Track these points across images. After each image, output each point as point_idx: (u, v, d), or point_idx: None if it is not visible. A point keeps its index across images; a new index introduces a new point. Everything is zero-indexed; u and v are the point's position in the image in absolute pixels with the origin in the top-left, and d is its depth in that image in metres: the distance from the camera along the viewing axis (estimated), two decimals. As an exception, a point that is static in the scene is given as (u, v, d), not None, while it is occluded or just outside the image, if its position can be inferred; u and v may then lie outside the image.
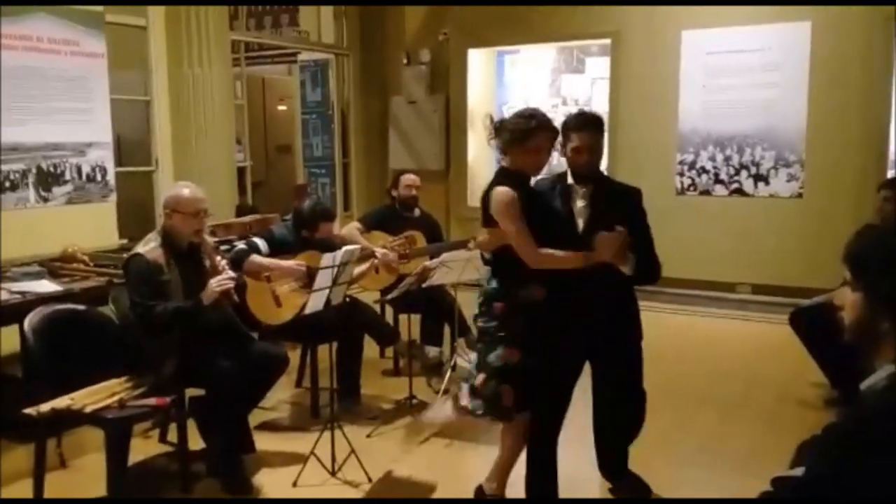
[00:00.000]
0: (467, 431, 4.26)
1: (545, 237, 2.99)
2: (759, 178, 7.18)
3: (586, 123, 3.14)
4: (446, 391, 4.81)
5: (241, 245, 4.45)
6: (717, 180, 7.34)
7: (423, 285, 4.34)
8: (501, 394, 3.05)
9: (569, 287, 3.04)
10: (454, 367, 4.99)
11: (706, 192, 7.39)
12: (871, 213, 4.69)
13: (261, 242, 4.46)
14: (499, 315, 3.07)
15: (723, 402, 4.75)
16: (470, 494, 3.52)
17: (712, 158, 7.33)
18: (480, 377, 3.10)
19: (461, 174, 8.55)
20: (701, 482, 3.66)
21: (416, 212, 5.36)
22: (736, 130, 7.19)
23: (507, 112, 8.64)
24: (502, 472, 3.30)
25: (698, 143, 7.37)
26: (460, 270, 4.43)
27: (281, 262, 4.39)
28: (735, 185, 7.27)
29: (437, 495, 3.51)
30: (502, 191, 3.01)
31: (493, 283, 3.12)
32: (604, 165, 7.92)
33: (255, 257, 4.37)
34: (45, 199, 5.62)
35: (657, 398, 4.88)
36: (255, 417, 4.07)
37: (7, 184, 5.35)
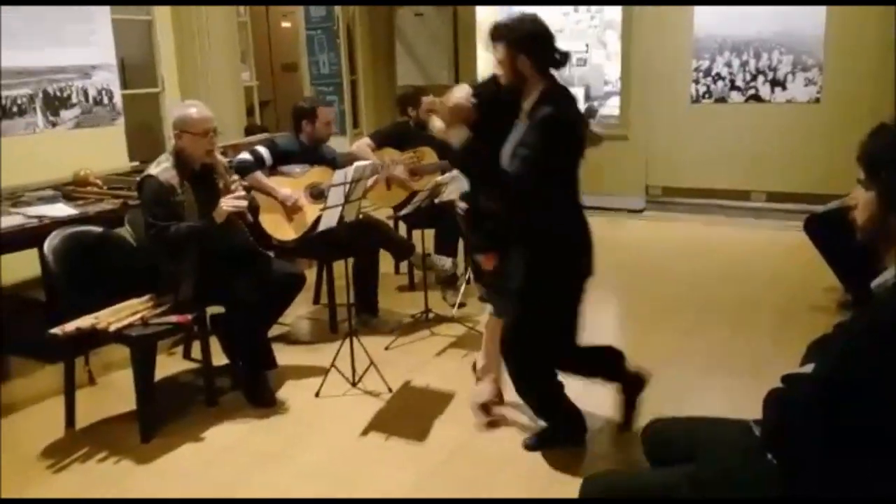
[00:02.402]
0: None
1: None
2: (775, 83, 7.03)
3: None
4: (462, 305, 4.87)
5: (244, 156, 4.44)
6: (733, 87, 7.19)
7: (436, 201, 4.33)
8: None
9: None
10: (469, 281, 5.03)
11: (721, 100, 7.26)
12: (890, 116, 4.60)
13: (265, 152, 4.44)
14: (463, 217, 3.20)
15: (735, 309, 4.79)
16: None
17: (728, 64, 7.17)
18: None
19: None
20: (715, 388, 3.73)
21: (430, 129, 5.29)
22: (753, 35, 7.01)
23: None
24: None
25: (714, 48, 7.19)
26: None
27: (277, 189, 4.38)
28: (751, 92, 7.13)
29: (454, 405, 3.59)
30: None
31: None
32: (615, 74, 7.83)
33: (257, 175, 4.37)
34: (54, 124, 5.60)
35: (671, 306, 4.93)
36: (274, 333, 4.16)
37: (14, 108, 5.32)
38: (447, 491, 2.90)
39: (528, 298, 2.93)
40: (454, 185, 4.31)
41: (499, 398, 3.51)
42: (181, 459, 3.19)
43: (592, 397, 3.31)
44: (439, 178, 4.38)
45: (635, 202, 7.63)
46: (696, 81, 7.31)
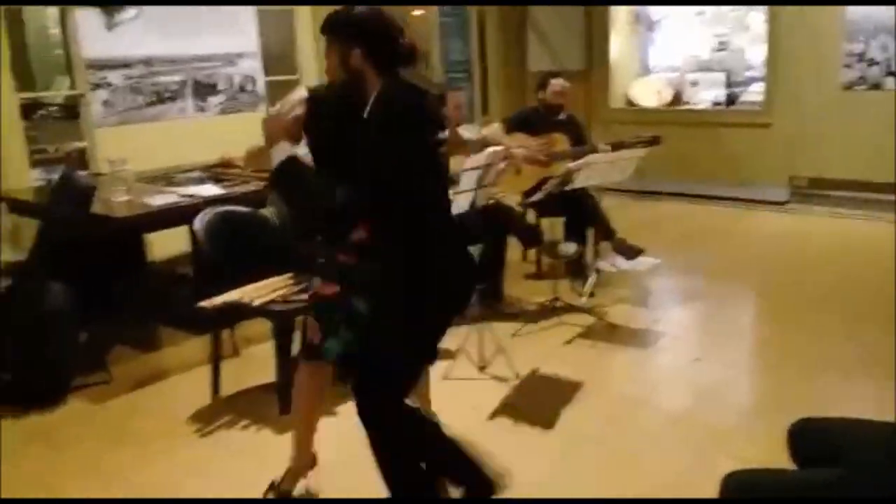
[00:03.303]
0: (613, 334, 4.26)
1: None
2: (938, 68, 6.51)
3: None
4: (591, 294, 4.80)
5: None
6: (889, 72, 6.70)
7: (567, 188, 4.28)
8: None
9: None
10: (598, 272, 4.95)
11: (876, 87, 6.78)
12: None
13: None
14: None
15: (886, 311, 4.48)
16: (614, 395, 3.55)
17: (884, 48, 6.68)
18: None
19: (603, 74, 8.26)
20: (862, 393, 3.51)
21: (562, 115, 5.24)
22: (913, 16, 6.50)
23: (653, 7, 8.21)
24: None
25: (869, 31, 6.72)
26: (605, 172, 4.34)
27: None
28: (910, 78, 6.63)
29: (582, 394, 3.55)
30: None
31: None
32: (759, 58, 7.46)
33: None
34: (202, 109, 5.93)
35: (815, 306, 4.65)
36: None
37: (168, 94, 5.67)
38: (572, 480, 2.88)
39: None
40: (587, 172, 4.25)
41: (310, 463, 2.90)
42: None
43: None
44: (571, 165, 4.32)
45: (777, 194, 7.26)
46: (849, 66, 6.85)
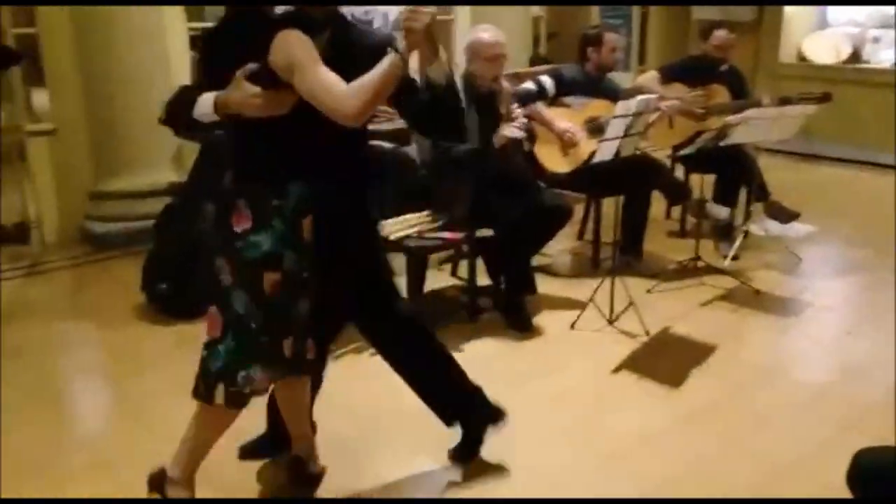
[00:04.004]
0: (755, 300, 4.06)
1: None
2: None
3: None
4: (735, 258, 4.58)
5: (527, 85, 4.45)
6: None
7: (721, 143, 4.06)
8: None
9: None
10: (746, 235, 4.70)
11: None
12: None
13: (548, 82, 4.41)
14: None
15: None
16: (749, 362, 3.40)
17: None
18: None
19: (774, 26, 7.71)
20: None
21: (724, 67, 4.93)
22: None
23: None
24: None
25: None
26: (766, 129, 4.08)
27: (555, 120, 4.32)
28: None
29: (714, 359, 3.42)
30: None
31: None
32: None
33: (538, 105, 4.35)
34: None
35: None
36: (537, 263, 4.22)
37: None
38: (692, 440, 2.80)
39: None
40: (745, 128, 4.01)
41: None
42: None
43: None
44: (729, 119, 4.10)
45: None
46: None
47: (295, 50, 1.98)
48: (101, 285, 4.28)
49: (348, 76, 1.97)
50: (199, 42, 2.25)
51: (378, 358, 2.63)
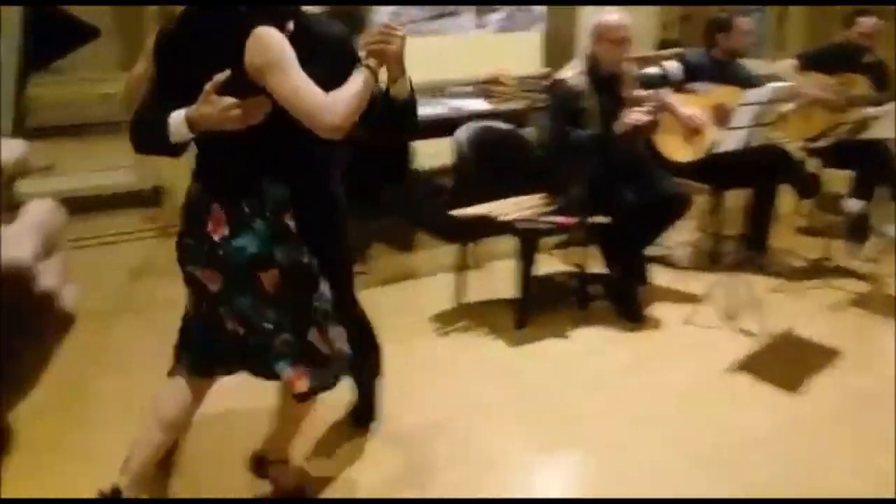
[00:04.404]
0: (890, 307, 3.80)
1: None
2: None
3: None
4: (871, 260, 4.29)
5: (652, 69, 4.30)
6: None
7: (860, 137, 3.80)
8: None
9: None
10: (884, 236, 4.40)
11: None
12: None
13: (674, 68, 4.25)
14: None
15: None
16: (878, 373, 3.18)
17: None
18: None
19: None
20: None
21: (868, 57, 4.60)
22: None
23: None
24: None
25: None
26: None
27: (680, 107, 4.15)
28: None
29: (839, 366, 3.23)
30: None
31: None
32: None
33: (662, 91, 4.20)
34: (481, 26, 6.02)
35: None
36: (653, 253, 4.10)
37: (449, 10, 5.83)
38: (805, 451, 2.66)
39: None
40: (888, 122, 3.74)
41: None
42: (547, 350, 3.36)
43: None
44: (869, 111, 3.83)
45: None
46: None
47: (273, 51, 1.88)
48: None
49: (308, 69, 1.91)
50: (154, 47, 2.01)
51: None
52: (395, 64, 2.04)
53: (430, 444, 2.65)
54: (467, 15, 5.93)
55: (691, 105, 4.22)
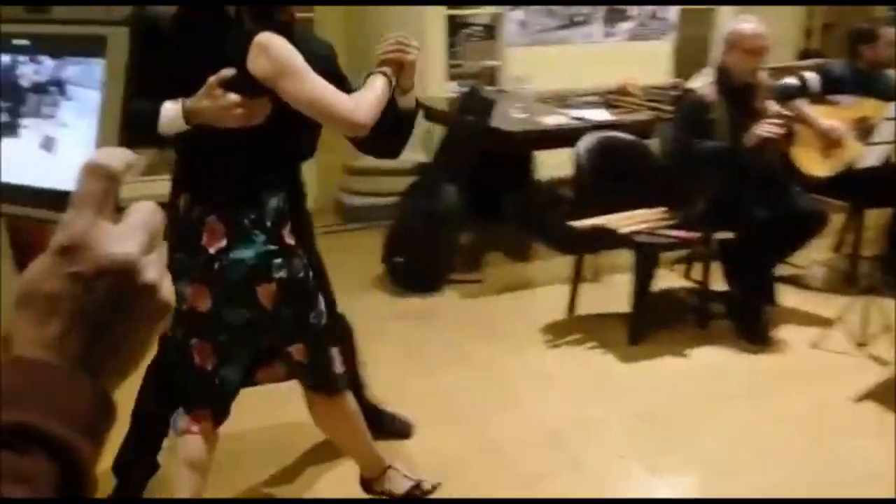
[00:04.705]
0: None
1: None
2: None
3: None
4: None
5: (789, 80, 4.10)
6: None
7: None
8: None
9: None
10: None
11: None
12: None
13: (813, 78, 4.04)
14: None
15: None
16: None
17: None
18: None
19: None
20: None
21: None
22: None
23: None
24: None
25: None
26: None
27: (818, 119, 3.92)
28: None
29: None
30: None
31: None
32: None
33: (799, 102, 3.99)
34: (610, 35, 5.94)
35: None
36: (783, 272, 3.91)
37: (579, 19, 5.79)
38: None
39: None
40: None
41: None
42: (661, 368, 3.27)
43: None
44: None
45: None
46: None
47: (285, 57, 1.84)
48: (348, 254, 4.62)
49: None
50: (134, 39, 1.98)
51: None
52: (410, 75, 2.04)
53: (534, 455, 2.64)
54: (597, 24, 5.87)
55: (830, 117, 4.00)
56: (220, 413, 2.06)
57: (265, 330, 2.01)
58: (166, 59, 1.83)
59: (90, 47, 0.52)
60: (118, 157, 0.49)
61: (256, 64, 1.82)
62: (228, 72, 1.79)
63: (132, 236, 0.48)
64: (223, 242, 1.91)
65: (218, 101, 1.79)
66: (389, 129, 2.02)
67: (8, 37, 0.54)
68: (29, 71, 0.53)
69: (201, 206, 1.94)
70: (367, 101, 1.91)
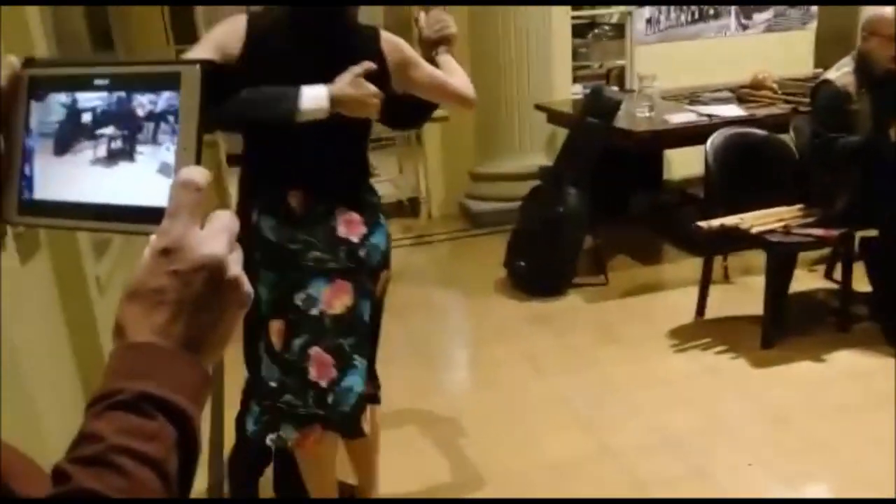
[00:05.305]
0: None
1: None
2: None
3: None
4: None
5: None
6: None
7: None
8: None
9: None
10: None
11: None
12: None
13: None
14: None
15: None
16: None
17: None
18: None
19: None
20: None
21: None
22: None
23: None
24: None
25: None
26: None
27: None
28: None
29: None
30: None
31: None
32: None
33: None
34: (745, 27, 5.69)
35: None
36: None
37: (711, 12, 5.58)
38: None
39: None
40: None
41: None
42: (796, 373, 3.10)
43: None
44: None
45: None
46: None
47: (406, 48, 2.00)
48: (472, 259, 4.69)
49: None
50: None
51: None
52: (455, 46, 2.17)
53: (655, 461, 2.58)
54: (731, 16, 5.64)
55: None
56: (341, 427, 2.04)
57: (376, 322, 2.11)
58: (266, 55, 1.88)
59: (166, 82, 0.59)
60: (203, 173, 0.57)
61: (393, 57, 1.97)
62: (370, 65, 1.85)
63: (218, 238, 0.57)
64: (364, 229, 1.99)
65: (362, 90, 1.84)
66: (419, 103, 2.11)
67: (89, 77, 0.62)
68: (145, 101, 0.60)
69: (325, 200, 1.97)
70: (466, 78, 2.07)
